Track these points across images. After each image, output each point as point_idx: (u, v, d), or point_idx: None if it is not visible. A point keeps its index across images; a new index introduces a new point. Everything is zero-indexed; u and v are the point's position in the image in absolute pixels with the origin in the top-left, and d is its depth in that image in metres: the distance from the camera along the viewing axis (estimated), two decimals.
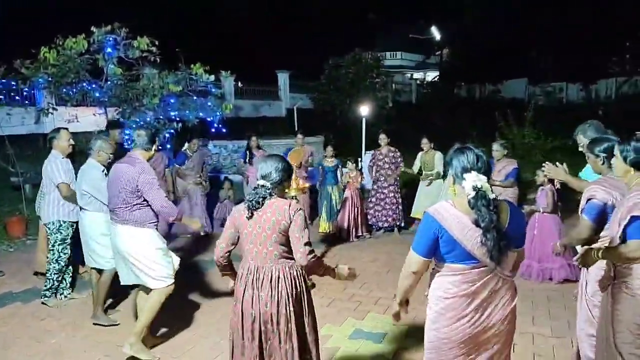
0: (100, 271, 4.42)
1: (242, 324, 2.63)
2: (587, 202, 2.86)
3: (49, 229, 4.84)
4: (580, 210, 2.95)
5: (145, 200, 3.65)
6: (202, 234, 7.28)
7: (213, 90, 8.26)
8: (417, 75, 36.77)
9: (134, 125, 7.21)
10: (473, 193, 2.12)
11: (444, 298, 2.25)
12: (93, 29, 6.71)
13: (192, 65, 7.42)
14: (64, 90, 6.98)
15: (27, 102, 11.31)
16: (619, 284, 2.50)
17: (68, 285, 5.04)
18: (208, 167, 8.61)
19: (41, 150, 12.46)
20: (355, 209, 7.32)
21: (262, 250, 2.61)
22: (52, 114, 7.19)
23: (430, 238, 2.20)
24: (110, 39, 6.83)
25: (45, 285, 4.86)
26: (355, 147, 11.93)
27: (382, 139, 7.44)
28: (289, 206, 2.61)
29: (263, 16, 26.64)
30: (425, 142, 7.46)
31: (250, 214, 2.60)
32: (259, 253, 2.62)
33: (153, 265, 3.69)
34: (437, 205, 2.29)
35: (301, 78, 21.23)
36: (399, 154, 7.44)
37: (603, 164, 2.97)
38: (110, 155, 4.46)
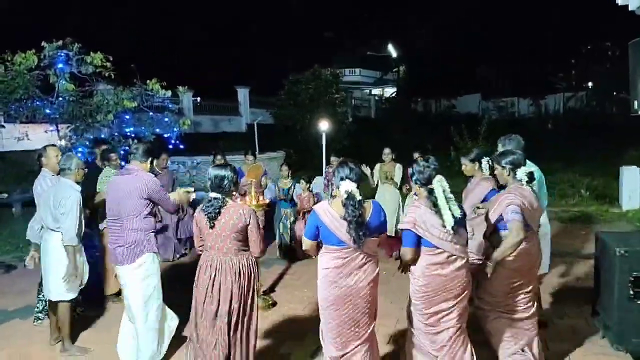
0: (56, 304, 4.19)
1: (210, 308, 3.17)
2: (507, 207, 3.28)
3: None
4: (497, 220, 3.39)
5: (151, 209, 3.90)
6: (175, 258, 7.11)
7: (170, 105, 8.12)
8: (376, 91, 37.49)
9: (87, 142, 7.01)
10: (345, 195, 2.92)
11: (323, 269, 3.08)
12: (44, 44, 6.50)
13: (147, 81, 7.28)
14: (13, 107, 6.70)
15: None
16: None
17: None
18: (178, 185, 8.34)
19: None
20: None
21: (223, 246, 3.20)
22: (0, 132, 6.90)
23: (314, 227, 3.07)
24: (62, 54, 6.61)
25: (38, 307, 4.80)
26: (316, 161, 12.00)
27: (333, 160, 7.54)
28: (243, 210, 3.23)
29: (222, 32, 26.59)
30: (387, 153, 7.27)
31: (212, 224, 3.15)
32: (220, 249, 3.20)
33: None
34: (319, 205, 3.15)
35: (261, 94, 21.27)
36: None
37: (509, 174, 3.43)
38: (85, 172, 4.35)
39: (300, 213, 7.21)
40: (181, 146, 8.05)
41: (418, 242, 3.08)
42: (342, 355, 3.10)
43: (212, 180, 3.24)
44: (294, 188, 7.34)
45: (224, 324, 3.18)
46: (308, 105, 16.77)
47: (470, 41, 27.52)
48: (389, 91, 36.83)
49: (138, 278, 3.80)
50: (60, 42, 6.55)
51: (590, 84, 26.54)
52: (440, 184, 3.04)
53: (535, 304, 3.56)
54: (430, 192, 3.06)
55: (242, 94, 21.35)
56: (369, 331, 3.14)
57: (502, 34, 26.86)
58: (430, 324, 3.14)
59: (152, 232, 3.93)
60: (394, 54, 34.65)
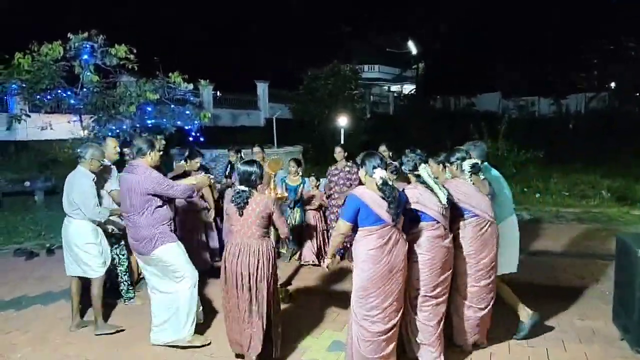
0: (82, 280, 4.46)
1: (235, 281, 3.58)
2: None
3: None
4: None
5: (162, 202, 3.98)
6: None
7: (191, 98, 8.22)
8: (395, 87, 37.29)
9: (109, 134, 7.12)
10: (381, 181, 3.31)
11: (368, 250, 3.34)
12: (70, 35, 6.62)
13: (170, 74, 7.38)
14: (38, 96, 6.85)
15: None
16: None
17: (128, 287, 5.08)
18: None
19: (12, 157, 12.22)
20: (322, 232, 6.58)
21: (248, 231, 3.62)
22: (25, 120, 7.05)
23: (354, 210, 3.36)
24: (87, 45, 6.74)
25: (122, 289, 4.98)
26: (333, 156, 11.98)
27: (338, 152, 6.58)
28: (268, 200, 3.66)
29: (241, 26, 26.67)
30: (383, 150, 6.30)
31: (241, 213, 3.60)
32: (245, 233, 3.62)
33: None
34: (356, 189, 3.48)
35: (280, 88, 21.30)
36: (354, 170, 6.26)
37: (456, 169, 3.88)
38: (103, 162, 4.53)
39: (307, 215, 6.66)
40: (201, 139, 8.15)
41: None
42: (390, 330, 3.39)
43: (241, 175, 3.67)
44: (303, 186, 6.70)
45: (248, 295, 3.57)
46: (326, 101, 16.78)
47: (491, 39, 27.17)
48: (408, 88, 36.60)
49: (160, 269, 4.00)
50: (85, 34, 6.67)
51: (612, 84, 25.98)
52: (425, 170, 3.56)
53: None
54: (418, 177, 3.59)
55: (262, 88, 21.42)
56: (402, 299, 3.49)
57: (523, 31, 26.45)
58: (434, 295, 3.55)
59: (165, 223, 4.01)
60: (414, 50, 34.36)
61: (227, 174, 7.32)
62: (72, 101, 6.95)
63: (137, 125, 7.36)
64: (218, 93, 19.53)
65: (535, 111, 26.95)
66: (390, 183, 3.35)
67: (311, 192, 6.67)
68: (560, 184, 11.65)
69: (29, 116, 7.17)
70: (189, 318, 4.01)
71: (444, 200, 3.49)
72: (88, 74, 6.79)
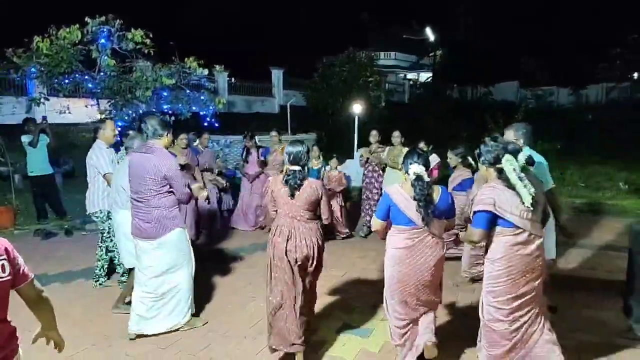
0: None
1: (282, 263, 3.48)
2: None
3: (97, 217, 4.97)
4: None
5: (171, 188, 3.87)
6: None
7: (206, 84, 8.26)
8: (411, 75, 36.89)
9: (126, 117, 7.21)
10: (414, 177, 3.19)
11: (394, 248, 3.33)
12: (87, 19, 6.68)
13: (186, 59, 7.42)
14: (56, 80, 6.94)
15: (18, 91, 11.28)
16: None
17: (105, 272, 5.16)
18: (225, 163, 8.48)
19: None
20: (338, 207, 7.23)
21: (297, 214, 3.52)
22: (43, 104, 7.15)
23: (386, 208, 3.33)
24: (105, 30, 6.79)
25: (97, 270, 5.10)
26: (347, 144, 12.00)
27: (374, 135, 7.32)
28: (316, 184, 3.56)
29: (257, 13, 26.58)
30: (397, 136, 7.03)
31: (292, 194, 3.47)
32: (294, 217, 3.52)
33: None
34: (391, 187, 3.38)
35: (295, 75, 21.24)
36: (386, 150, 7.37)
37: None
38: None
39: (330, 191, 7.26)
40: (216, 125, 8.20)
41: (493, 224, 2.98)
42: (407, 325, 3.38)
43: (292, 156, 3.53)
44: (324, 170, 7.37)
45: (299, 274, 3.54)
46: (341, 88, 16.71)
47: (510, 27, 26.75)
48: (425, 76, 36.22)
49: (163, 254, 3.91)
50: (103, 18, 6.72)
51: (635, 74, 25.38)
52: (509, 163, 2.95)
53: None
54: (500, 171, 3.00)
55: (277, 75, 21.40)
56: (433, 300, 3.42)
57: (543, 20, 26.00)
58: (512, 310, 2.98)
59: (177, 207, 3.97)
60: (431, 37, 33.91)
61: (244, 158, 7.73)
62: (89, 85, 7.03)
63: (153, 109, 7.43)
64: (233, 80, 19.57)
65: (553, 101, 26.49)
66: (425, 180, 3.17)
67: (331, 172, 7.38)
68: (576, 175, 11.51)
69: (48, 99, 7.27)
70: (188, 302, 4.07)
71: (529, 202, 2.87)
72: (105, 58, 6.85)
